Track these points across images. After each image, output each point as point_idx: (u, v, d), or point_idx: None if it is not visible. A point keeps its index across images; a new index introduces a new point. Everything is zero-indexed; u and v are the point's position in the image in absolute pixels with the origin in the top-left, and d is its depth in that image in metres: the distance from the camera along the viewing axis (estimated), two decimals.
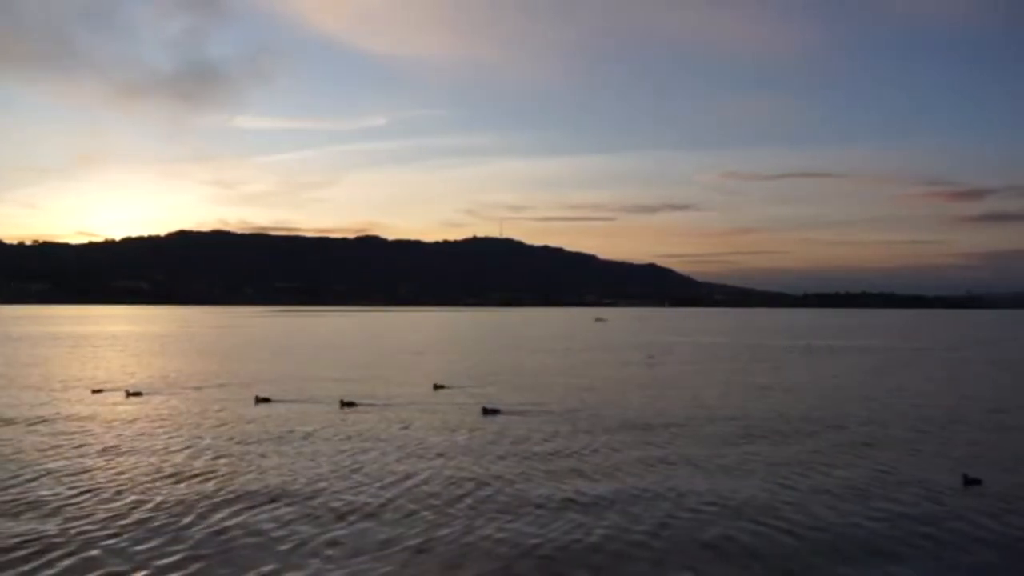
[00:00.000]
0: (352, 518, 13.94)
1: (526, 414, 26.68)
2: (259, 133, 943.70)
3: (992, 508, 14.93)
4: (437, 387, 33.79)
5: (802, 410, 28.27)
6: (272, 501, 15.02)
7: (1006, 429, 24.58)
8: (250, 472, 17.56)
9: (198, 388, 34.20)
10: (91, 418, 25.35)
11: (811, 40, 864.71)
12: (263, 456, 19.43)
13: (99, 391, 32.17)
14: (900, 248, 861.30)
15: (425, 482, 16.76)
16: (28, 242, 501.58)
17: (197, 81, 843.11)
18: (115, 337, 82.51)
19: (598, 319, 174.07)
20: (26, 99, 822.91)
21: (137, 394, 31.39)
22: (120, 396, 30.75)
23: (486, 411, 26.89)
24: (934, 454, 20.25)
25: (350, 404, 28.69)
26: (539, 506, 14.88)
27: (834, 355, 61.25)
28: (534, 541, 12.75)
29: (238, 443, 21.15)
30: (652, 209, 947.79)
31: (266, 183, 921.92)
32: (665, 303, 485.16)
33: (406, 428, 23.85)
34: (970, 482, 16.82)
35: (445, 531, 13.23)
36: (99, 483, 16.34)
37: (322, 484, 16.44)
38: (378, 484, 16.48)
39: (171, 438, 21.83)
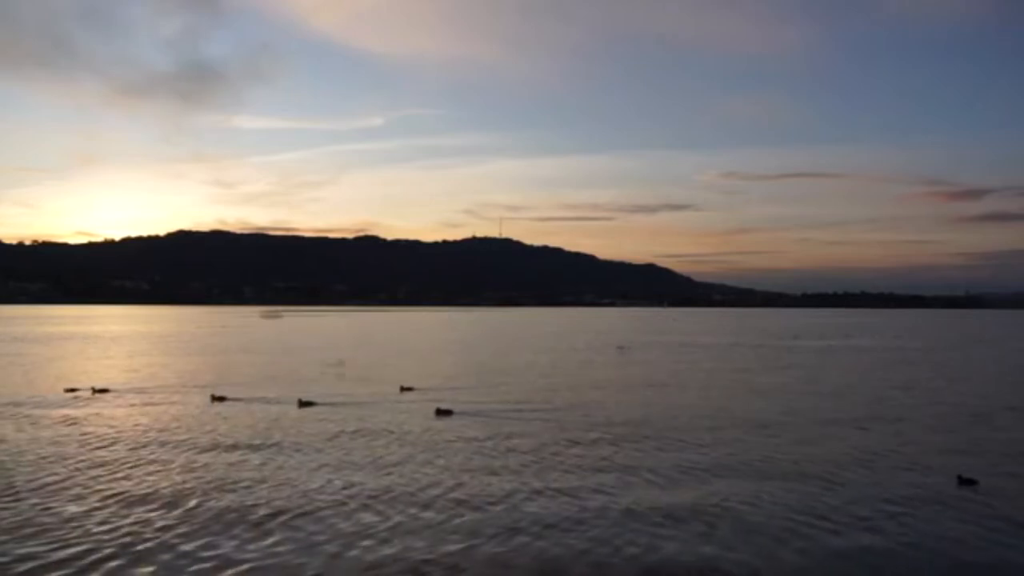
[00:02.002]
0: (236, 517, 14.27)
1: (478, 415, 26.86)
2: (258, 133, 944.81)
3: (985, 509, 15.08)
4: (404, 389, 33.93)
5: (779, 409, 28.57)
6: (168, 499, 15.33)
7: (1003, 429, 24.72)
8: (160, 469, 17.92)
9: (163, 386, 34.59)
10: (44, 416, 25.63)
11: (811, 40, 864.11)
12: (187, 452, 19.77)
13: (73, 389, 32.48)
14: (899, 248, 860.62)
15: (328, 477, 17.06)
16: (27, 242, 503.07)
17: (195, 81, 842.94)
18: (107, 337, 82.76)
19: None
20: (24, 99, 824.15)
21: (104, 391, 32.08)
22: (88, 394, 31.21)
23: (439, 412, 27.14)
24: (929, 454, 20.38)
25: (308, 404, 28.97)
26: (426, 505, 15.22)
27: (834, 355, 61.53)
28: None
29: (171, 439, 21.48)
30: (651, 209, 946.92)
31: (265, 183, 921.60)
32: (664, 303, 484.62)
33: (351, 427, 24.15)
34: (964, 482, 16.95)
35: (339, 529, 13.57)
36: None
37: (216, 481, 16.76)
38: (271, 484, 16.81)
39: (111, 435, 22.13)
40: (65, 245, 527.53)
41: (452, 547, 12.65)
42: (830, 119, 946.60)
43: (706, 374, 43.77)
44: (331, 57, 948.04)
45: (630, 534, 13.38)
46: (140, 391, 32.87)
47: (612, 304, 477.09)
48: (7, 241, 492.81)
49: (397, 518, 14.18)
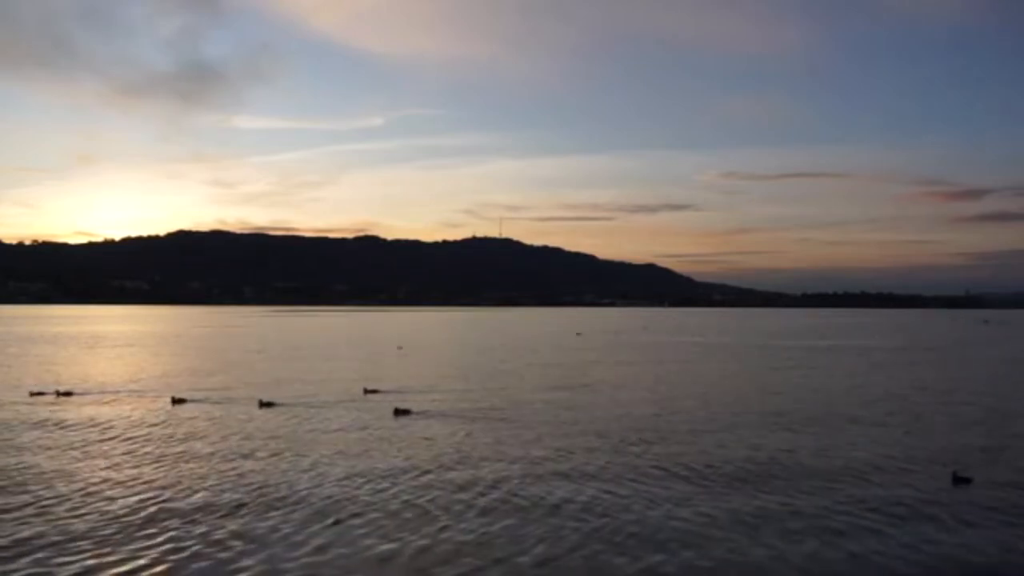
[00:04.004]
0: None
1: (435, 415, 27.02)
2: (257, 133, 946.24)
3: (978, 507, 15.36)
4: (368, 391, 33.85)
5: (777, 408, 28.56)
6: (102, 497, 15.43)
7: (999, 428, 25.05)
8: (99, 471, 18.03)
9: (128, 389, 34.64)
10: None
11: (811, 40, 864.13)
12: (122, 454, 19.98)
13: (39, 393, 32.33)
14: (899, 248, 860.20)
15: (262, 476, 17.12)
16: (27, 242, 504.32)
17: (195, 81, 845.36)
18: (94, 338, 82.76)
19: None
20: (24, 99, 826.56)
21: (68, 394, 31.98)
22: (52, 397, 31.16)
23: (397, 412, 27.24)
24: (926, 452, 20.70)
25: (269, 405, 29.05)
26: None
27: (832, 355, 61.57)
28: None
29: (117, 445, 21.52)
30: (651, 209, 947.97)
31: (264, 183, 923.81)
32: (665, 303, 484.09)
33: (305, 426, 24.39)
34: (959, 480, 17.19)
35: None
36: None
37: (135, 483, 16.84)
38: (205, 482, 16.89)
39: (60, 439, 22.20)
40: (65, 245, 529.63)
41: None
42: (830, 119, 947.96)
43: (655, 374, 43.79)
44: (331, 57, 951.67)
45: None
46: (104, 394, 32.87)
47: (612, 304, 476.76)
48: (7, 241, 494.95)
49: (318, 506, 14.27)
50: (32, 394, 32.13)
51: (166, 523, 13.94)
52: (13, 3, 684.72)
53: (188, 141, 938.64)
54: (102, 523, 13.91)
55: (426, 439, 22.35)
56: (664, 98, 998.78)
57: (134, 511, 14.69)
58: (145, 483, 16.95)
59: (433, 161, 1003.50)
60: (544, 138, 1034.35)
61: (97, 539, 13.00)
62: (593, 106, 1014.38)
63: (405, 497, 15.94)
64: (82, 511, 14.64)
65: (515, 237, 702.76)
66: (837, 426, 25.18)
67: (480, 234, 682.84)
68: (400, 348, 65.97)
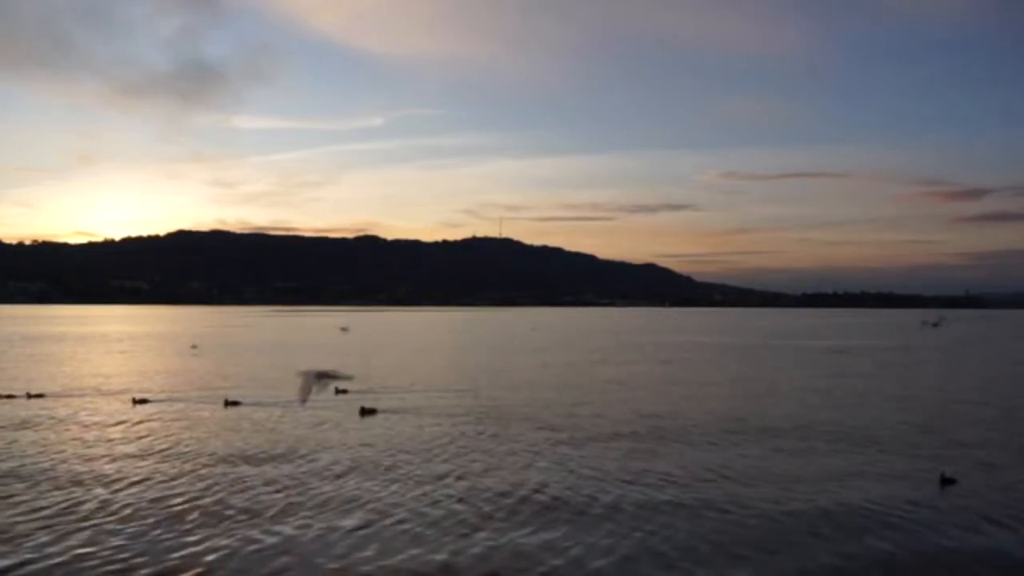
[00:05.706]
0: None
1: (401, 412, 26.94)
2: (257, 133, 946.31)
3: (964, 508, 15.42)
4: (339, 391, 33.55)
5: (773, 410, 28.32)
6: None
7: (990, 428, 25.02)
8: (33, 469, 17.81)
9: (96, 390, 34.35)
10: None
11: (811, 40, 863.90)
12: (48, 453, 19.93)
13: (9, 396, 31.92)
14: (899, 248, 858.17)
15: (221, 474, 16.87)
16: (27, 242, 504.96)
17: (195, 80, 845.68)
18: (89, 338, 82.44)
19: None
20: (24, 99, 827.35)
21: (39, 396, 31.68)
22: (23, 399, 30.89)
23: (363, 411, 27.04)
24: (916, 453, 20.75)
25: (234, 404, 28.82)
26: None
27: (832, 355, 61.42)
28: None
29: (56, 444, 21.40)
30: (651, 209, 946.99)
31: (264, 183, 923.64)
32: (666, 303, 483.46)
33: (269, 425, 24.42)
34: (946, 481, 17.26)
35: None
36: None
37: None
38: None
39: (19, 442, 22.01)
40: (65, 245, 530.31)
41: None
42: (830, 119, 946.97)
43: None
44: (331, 57, 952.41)
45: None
46: (72, 395, 32.52)
47: (612, 304, 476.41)
48: (7, 241, 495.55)
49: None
50: (2, 396, 31.84)
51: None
52: (13, 3, 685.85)
53: (188, 141, 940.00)
54: None
55: (386, 436, 22.44)
56: (664, 98, 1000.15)
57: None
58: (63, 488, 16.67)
59: (433, 161, 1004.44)
60: (544, 138, 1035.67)
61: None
62: (593, 106, 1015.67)
63: (361, 496, 15.71)
64: None
65: (515, 237, 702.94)
66: (835, 424, 25.17)
67: (480, 234, 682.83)
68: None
